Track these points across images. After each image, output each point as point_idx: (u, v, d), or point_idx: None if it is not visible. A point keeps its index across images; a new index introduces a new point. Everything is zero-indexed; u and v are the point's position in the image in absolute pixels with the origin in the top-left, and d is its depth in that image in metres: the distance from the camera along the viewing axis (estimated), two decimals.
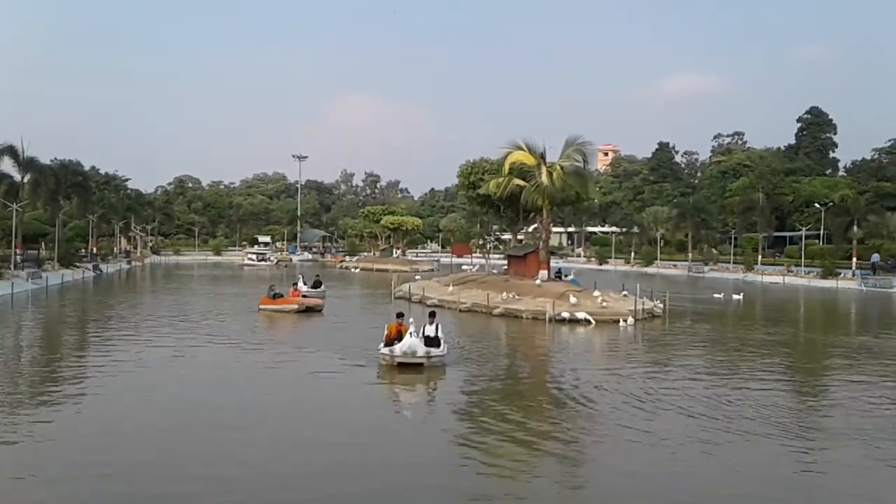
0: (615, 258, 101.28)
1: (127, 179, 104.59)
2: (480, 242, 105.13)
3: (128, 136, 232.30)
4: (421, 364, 18.68)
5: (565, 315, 30.82)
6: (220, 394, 16.26)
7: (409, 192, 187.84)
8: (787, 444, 12.54)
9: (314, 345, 23.42)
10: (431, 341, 19.52)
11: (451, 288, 39.63)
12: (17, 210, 52.99)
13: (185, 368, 19.32)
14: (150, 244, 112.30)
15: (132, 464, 11.03)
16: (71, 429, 13.17)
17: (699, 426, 13.61)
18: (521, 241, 53.95)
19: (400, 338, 19.22)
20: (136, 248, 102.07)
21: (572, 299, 32.74)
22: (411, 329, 19.14)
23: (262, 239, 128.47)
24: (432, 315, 20.90)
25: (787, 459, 11.81)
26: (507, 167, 40.81)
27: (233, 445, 12.13)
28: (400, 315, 20.33)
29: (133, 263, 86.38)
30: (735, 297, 46.21)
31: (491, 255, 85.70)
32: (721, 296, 47.44)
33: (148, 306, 36.83)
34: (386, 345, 19.33)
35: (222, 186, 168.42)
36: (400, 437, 13.20)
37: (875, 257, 63.48)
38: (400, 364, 18.63)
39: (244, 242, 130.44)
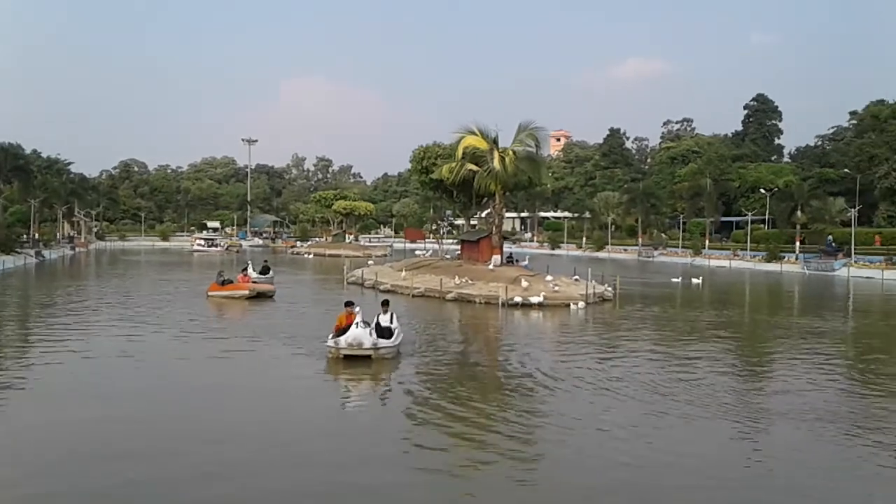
0: (567, 243, 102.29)
1: (70, 163, 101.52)
2: (434, 227, 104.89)
3: (71, 118, 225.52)
4: (368, 356, 17.64)
5: (518, 300, 30.93)
6: (157, 387, 15.42)
7: (361, 177, 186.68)
8: (732, 427, 12.66)
9: (262, 333, 22.53)
10: (384, 331, 18.57)
11: (404, 273, 39.45)
12: None
13: (125, 361, 18.11)
14: (95, 230, 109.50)
15: (58, 460, 10.63)
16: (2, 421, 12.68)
17: (644, 409, 13.67)
18: (474, 226, 54.11)
19: (349, 328, 18.14)
20: (80, 233, 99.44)
21: (525, 284, 32.87)
22: (358, 319, 18.04)
23: (210, 224, 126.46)
24: (385, 304, 19.81)
25: (732, 442, 11.93)
26: (460, 152, 40.67)
27: (165, 440, 11.55)
28: (349, 304, 19.02)
29: (77, 249, 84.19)
30: (694, 280, 46.95)
31: (444, 241, 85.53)
32: (680, 280, 48.16)
33: (93, 294, 35.79)
34: (335, 335, 18.25)
35: (169, 170, 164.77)
36: (335, 433, 12.41)
37: (829, 240, 65.11)
38: (346, 356, 17.61)
39: (192, 228, 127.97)
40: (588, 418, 13.10)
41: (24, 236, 72.27)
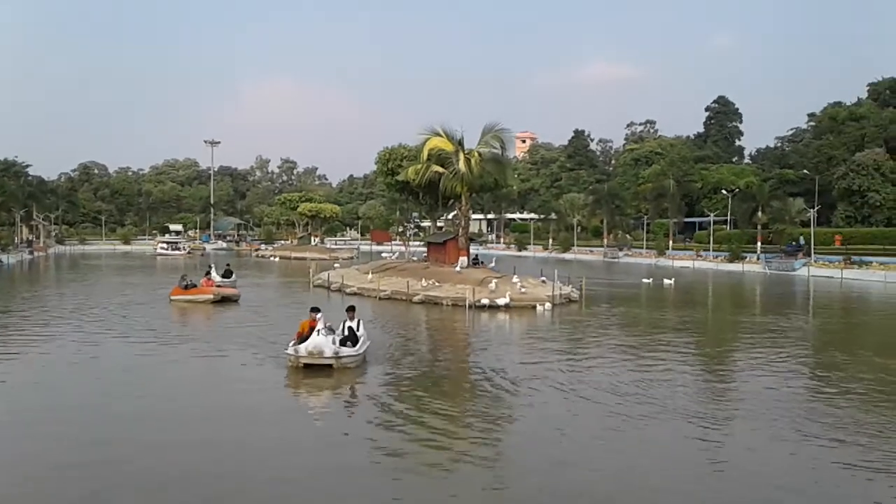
0: (534, 244, 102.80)
1: (28, 165, 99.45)
2: (400, 230, 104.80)
3: (28, 120, 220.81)
4: (329, 365, 16.74)
5: (485, 301, 30.92)
6: (111, 398, 14.58)
7: (326, 179, 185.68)
8: (693, 429, 12.64)
9: (222, 339, 22.02)
10: (348, 338, 17.69)
11: (370, 276, 39.24)
12: None
13: (81, 370, 17.54)
14: (55, 234, 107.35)
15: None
16: None
17: (606, 411, 13.63)
18: (440, 228, 54.09)
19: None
20: (38, 237, 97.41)
21: (492, 286, 32.89)
22: (320, 326, 17.17)
23: (173, 227, 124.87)
24: (351, 309, 18.71)
25: (692, 445, 11.87)
26: (425, 153, 40.59)
27: (114, 455, 10.95)
28: (315, 310, 18.06)
29: (36, 254, 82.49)
30: (667, 281, 47.08)
31: (411, 243, 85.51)
32: (650, 281, 48.30)
33: (52, 299, 34.92)
34: (297, 342, 17.36)
35: (130, 173, 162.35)
36: (293, 446, 11.72)
37: (801, 241, 66.16)
38: (306, 365, 16.73)
39: (154, 231, 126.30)
40: (553, 422, 13.03)
41: None
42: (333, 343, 17.07)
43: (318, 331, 16.98)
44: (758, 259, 67.67)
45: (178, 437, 12.03)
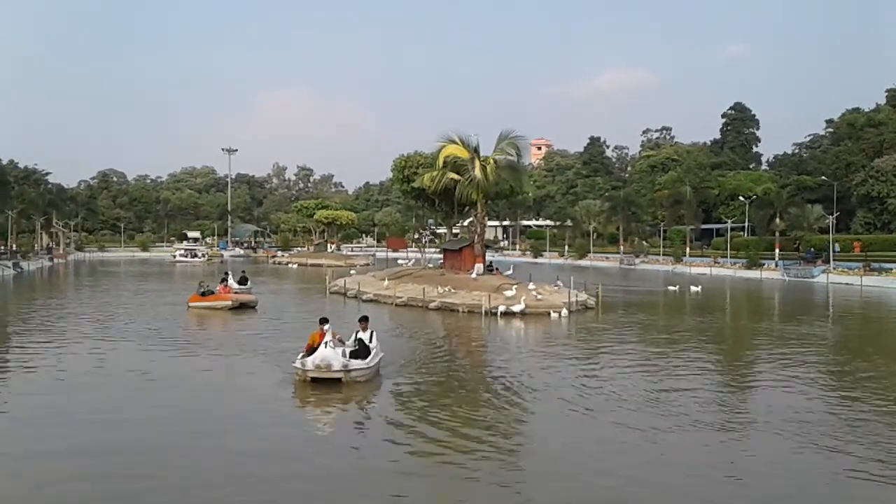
0: (550, 251, 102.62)
1: (48, 174, 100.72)
2: (416, 236, 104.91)
3: (49, 128, 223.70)
4: (338, 380, 15.97)
5: (501, 308, 30.89)
6: (117, 408, 14.42)
7: (343, 186, 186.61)
8: (711, 440, 12.46)
9: (236, 348, 21.70)
10: (359, 352, 16.91)
11: (386, 282, 39.32)
12: None
13: (94, 379, 17.30)
14: (74, 241, 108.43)
15: None
16: None
17: (625, 422, 13.36)
18: (456, 234, 54.05)
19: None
20: (58, 244, 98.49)
21: (511, 292, 32.84)
22: (328, 338, 16.28)
23: (191, 234, 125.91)
24: (364, 320, 17.87)
25: (710, 457, 11.67)
26: (441, 161, 40.65)
27: (105, 468, 10.79)
28: (323, 321, 17.17)
29: (56, 261, 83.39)
30: (693, 288, 46.05)
31: (426, 249, 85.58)
32: (676, 288, 47.51)
33: (71, 306, 35.11)
34: (305, 355, 16.69)
35: (149, 181, 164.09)
36: (302, 465, 11.16)
37: (811, 251, 65.80)
38: (314, 379, 16.00)
39: (172, 238, 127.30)
40: (573, 437, 12.74)
41: (2, 248, 71.56)
42: (343, 355, 16.37)
43: (327, 343, 16.20)
44: (776, 266, 67.18)
45: (170, 448, 11.76)
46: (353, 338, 17.44)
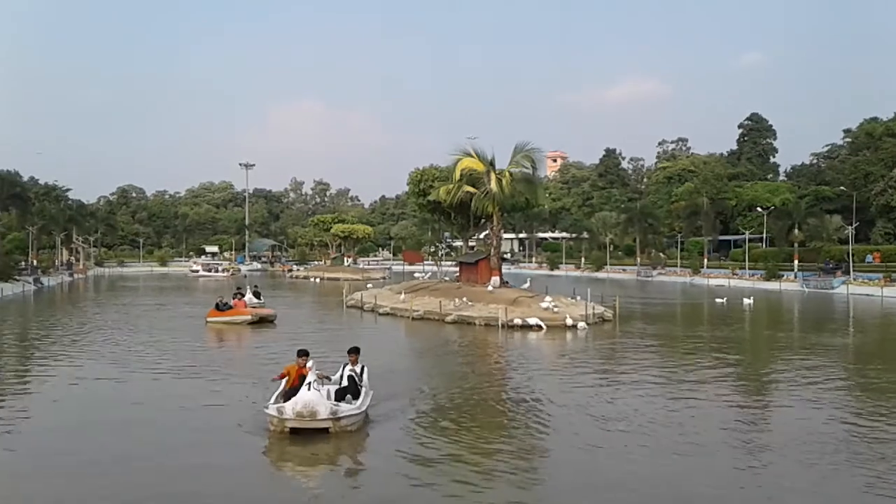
0: (566, 263, 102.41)
1: (68, 190, 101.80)
2: (432, 250, 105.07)
3: (68, 145, 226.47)
4: (325, 430, 12.79)
5: (518, 321, 30.85)
6: (95, 441, 13.15)
7: (359, 200, 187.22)
8: (732, 461, 12.04)
9: (245, 371, 19.99)
10: (347, 390, 14.11)
11: (403, 296, 39.39)
12: None
13: (99, 404, 16.37)
14: (94, 256, 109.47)
15: None
16: None
17: (644, 441, 12.97)
18: (472, 247, 54.14)
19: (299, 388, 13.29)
20: (78, 260, 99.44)
21: (544, 304, 32.78)
22: (311, 377, 13.05)
23: (209, 249, 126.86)
24: (354, 351, 14.86)
25: (730, 479, 11.29)
26: (457, 174, 40.81)
27: None
28: (303, 353, 14.27)
29: (76, 276, 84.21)
30: (746, 301, 44.96)
31: (443, 263, 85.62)
32: (724, 301, 46.62)
33: (91, 323, 34.78)
34: (283, 396, 13.61)
35: (167, 196, 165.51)
36: None
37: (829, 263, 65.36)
38: (293, 430, 12.74)
39: (191, 253, 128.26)
40: (597, 468, 11.97)
41: (23, 263, 72.38)
42: (328, 397, 13.48)
43: (310, 383, 12.94)
44: (795, 277, 66.64)
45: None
46: (339, 373, 14.74)
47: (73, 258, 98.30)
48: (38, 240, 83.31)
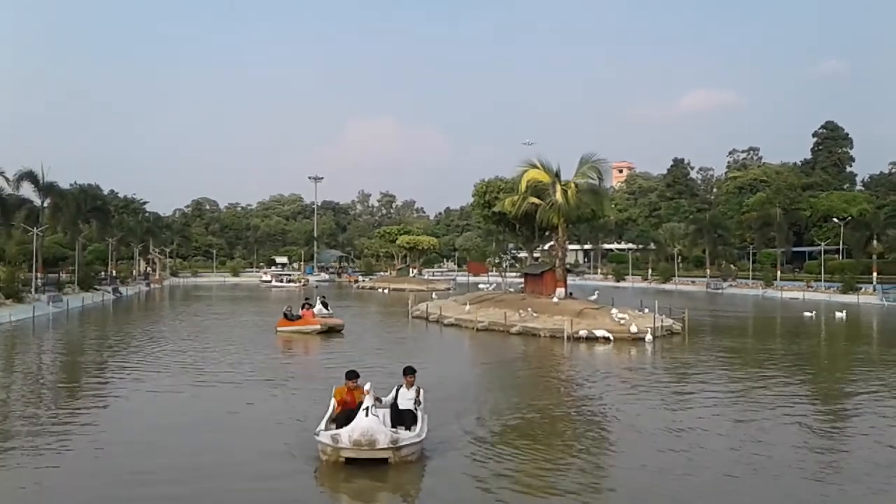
0: (632, 275, 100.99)
1: (145, 202, 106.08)
2: (496, 261, 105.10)
3: (147, 159, 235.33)
4: (385, 459, 11.54)
5: (583, 333, 30.64)
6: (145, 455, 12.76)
7: (424, 212, 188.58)
8: (805, 486, 11.53)
9: (305, 383, 19.92)
10: (403, 415, 12.65)
11: (468, 307, 39.58)
12: (37, 234, 53.67)
13: (163, 415, 16.14)
14: (169, 266, 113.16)
15: None
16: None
17: (713, 462, 12.59)
18: (537, 258, 53.94)
19: (354, 412, 11.82)
20: (154, 270, 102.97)
21: (621, 318, 32.48)
22: (368, 401, 11.58)
23: (279, 260, 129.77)
24: (410, 372, 13.22)
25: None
26: (523, 185, 40.91)
27: None
28: (352, 374, 12.83)
29: (152, 286, 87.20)
30: (838, 314, 44.23)
31: (507, 274, 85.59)
32: (812, 314, 45.66)
33: (166, 331, 35.81)
34: (332, 421, 12.30)
35: (239, 208, 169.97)
36: None
37: None
38: (348, 460, 11.54)
39: (261, 264, 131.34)
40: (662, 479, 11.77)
41: (102, 273, 75.46)
42: (386, 424, 12.09)
43: (367, 409, 11.53)
44: (874, 290, 64.16)
45: None
46: (392, 394, 13.19)
47: (149, 268, 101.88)
48: (117, 251, 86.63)
